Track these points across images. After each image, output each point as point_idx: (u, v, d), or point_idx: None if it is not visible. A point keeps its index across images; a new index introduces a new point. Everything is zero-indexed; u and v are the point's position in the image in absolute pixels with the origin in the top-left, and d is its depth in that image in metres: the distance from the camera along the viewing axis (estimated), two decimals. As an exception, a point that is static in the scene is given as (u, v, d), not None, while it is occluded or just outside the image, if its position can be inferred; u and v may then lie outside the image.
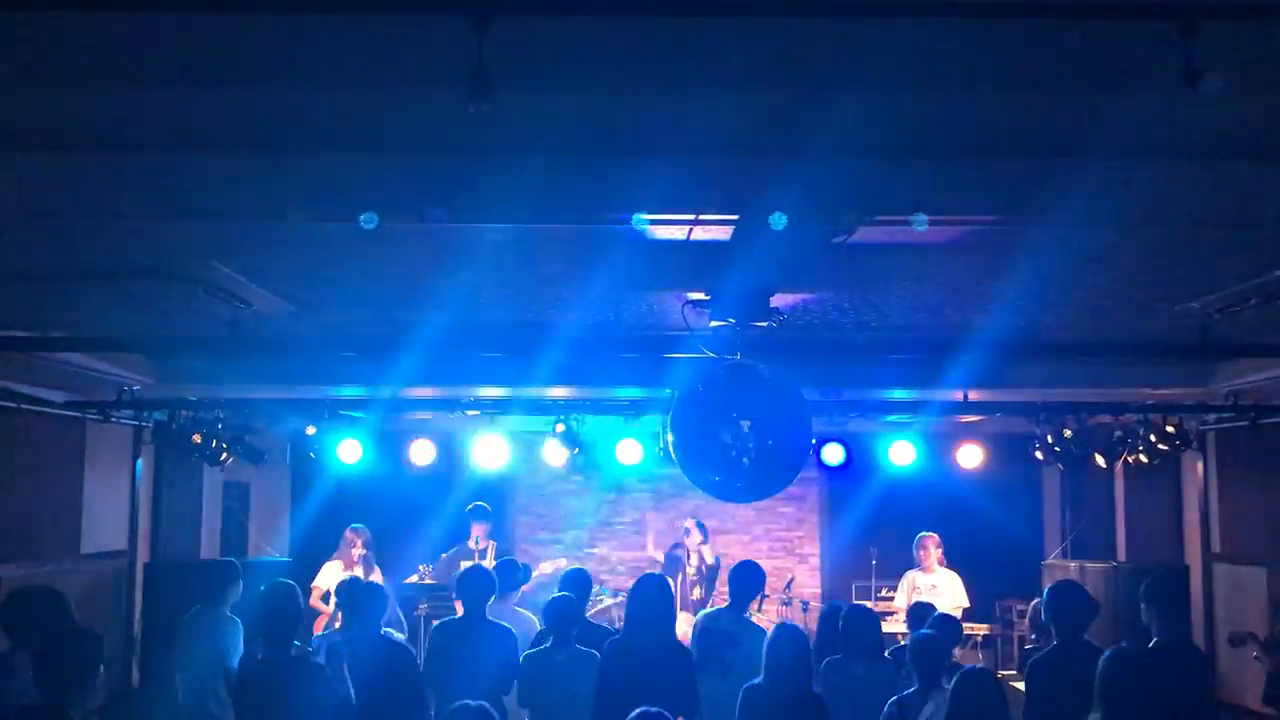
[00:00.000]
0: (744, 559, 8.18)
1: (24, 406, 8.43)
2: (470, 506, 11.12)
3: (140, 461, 10.68)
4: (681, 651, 6.67)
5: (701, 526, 11.20)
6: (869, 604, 10.94)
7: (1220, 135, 3.99)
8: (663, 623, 6.57)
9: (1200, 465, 11.03)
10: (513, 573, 8.28)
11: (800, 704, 5.91)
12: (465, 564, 10.36)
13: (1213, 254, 5.54)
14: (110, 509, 10.27)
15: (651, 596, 6.59)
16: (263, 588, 6.66)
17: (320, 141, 4.13)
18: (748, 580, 7.51)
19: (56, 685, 4.76)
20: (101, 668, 4.96)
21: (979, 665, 6.33)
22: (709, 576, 10.83)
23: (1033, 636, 9.54)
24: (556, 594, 7.06)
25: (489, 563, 10.33)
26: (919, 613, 7.91)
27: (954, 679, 5.39)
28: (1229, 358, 8.48)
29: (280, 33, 3.42)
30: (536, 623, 7.58)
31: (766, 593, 10.98)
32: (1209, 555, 10.99)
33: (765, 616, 10.36)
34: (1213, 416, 10.18)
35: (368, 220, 4.52)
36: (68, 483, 9.61)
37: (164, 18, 3.29)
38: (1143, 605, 6.67)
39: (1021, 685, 6.62)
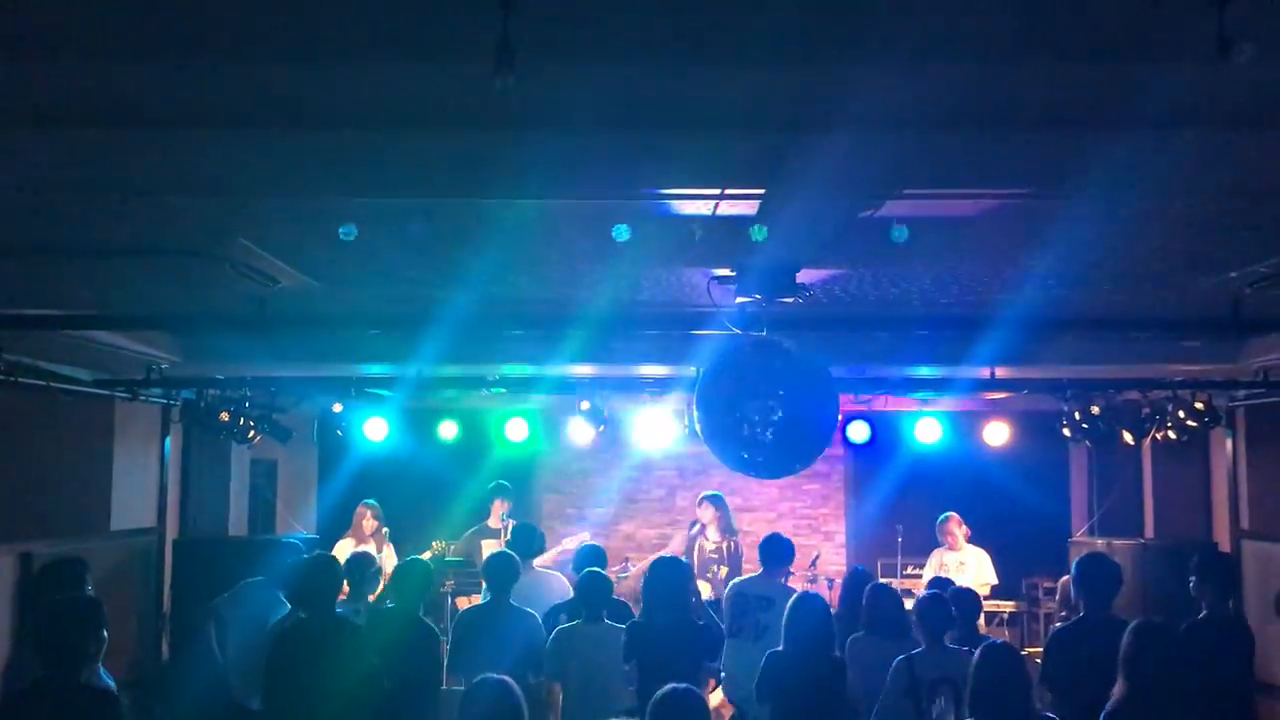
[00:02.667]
0: (771, 533, 8.24)
1: (53, 384, 8.48)
2: (493, 484, 11.16)
3: (169, 439, 10.75)
4: (699, 628, 6.71)
5: (715, 499, 11.04)
6: (894, 581, 10.99)
7: (1253, 105, 3.95)
8: (679, 601, 6.61)
9: (1229, 442, 10.97)
10: (531, 540, 8.34)
11: (820, 670, 5.96)
12: (486, 542, 10.42)
13: (1244, 228, 5.49)
14: (139, 487, 10.34)
15: (666, 576, 6.64)
16: (305, 556, 6.78)
17: (347, 117, 4.12)
18: (777, 550, 7.63)
19: (57, 656, 4.78)
20: (105, 633, 4.97)
21: (1002, 639, 6.34)
22: (733, 557, 10.76)
23: (1061, 614, 9.52)
24: (591, 570, 7.11)
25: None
26: (936, 587, 7.91)
27: (977, 652, 5.40)
28: (1259, 333, 8.40)
29: (308, 6, 3.42)
30: (563, 579, 7.67)
31: (792, 570, 10.97)
32: (1238, 532, 10.94)
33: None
34: (1242, 393, 10.12)
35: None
36: (97, 460, 9.68)
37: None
38: (1193, 579, 6.64)
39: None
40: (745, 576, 8.11)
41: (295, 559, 7.74)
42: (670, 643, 6.35)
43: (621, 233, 4.58)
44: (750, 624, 7.07)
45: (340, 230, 4.37)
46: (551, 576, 7.87)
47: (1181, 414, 9.82)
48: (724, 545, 10.64)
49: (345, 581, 7.23)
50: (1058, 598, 10.16)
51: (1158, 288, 6.83)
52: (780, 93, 3.94)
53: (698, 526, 10.85)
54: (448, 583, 10.26)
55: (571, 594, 7.32)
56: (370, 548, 10.34)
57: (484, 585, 7.44)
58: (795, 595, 6.26)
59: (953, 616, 6.39)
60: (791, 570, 10.74)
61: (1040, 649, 9.93)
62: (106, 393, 9.39)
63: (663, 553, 8.89)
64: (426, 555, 10.54)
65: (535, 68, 3.18)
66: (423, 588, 6.99)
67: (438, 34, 3.60)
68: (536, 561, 8.34)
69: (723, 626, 7.62)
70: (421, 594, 6.96)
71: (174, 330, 8.86)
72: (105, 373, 9.13)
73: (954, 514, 11.02)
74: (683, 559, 7.88)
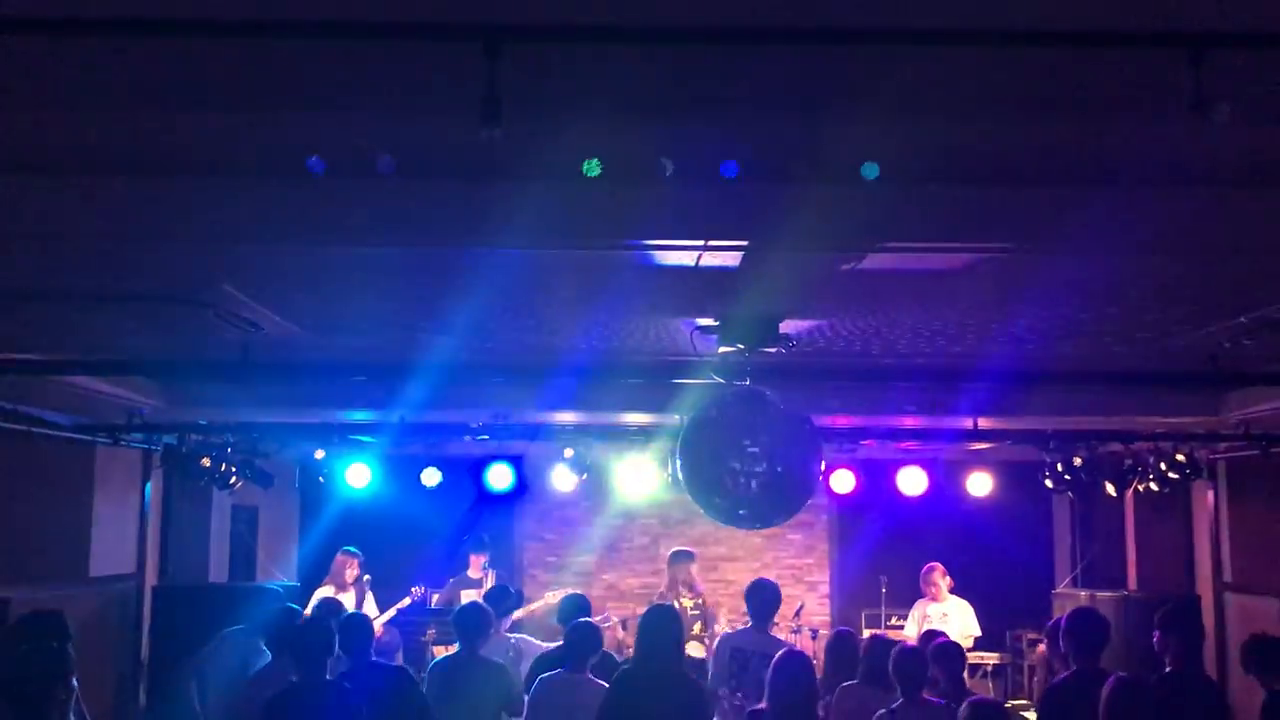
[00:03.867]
0: (757, 578, 8.18)
1: (34, 429, 8.44)
2: (467, 538, 11.13)
3: (149, 485, 10.69)
4: (690, 682, 6.60)
5: (690, 555, 11.04)
6: (879, 633, 10.94)
7: (1231, 164, 3.99)
8: (673, 652, 6.49)
9: (1211, 494, 10.98)
10: (502, 599, 8.30)
11: None
12: (467, 592, 10.37)
13: (1223, 283, 5.53)
14: (119, 532, 10.27)
15: (662, 625, 6.51)
16: (292, 608, 6.70)
17: (332, 165, 4.13)
18: (765, 597, 7.55)
19: (27, 707, 4.73)
20: (74, 681, 4.92)
21: (991, 697, 6.32)
22: (711, 615, 10.72)
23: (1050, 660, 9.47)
24: (582, 620, 7.07)
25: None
26: (928, 640, 7.87)
27: (963, 708, 5.39)
28: (1239, 386, 8.45)
29: (290, 57, 3.44)
30: (530, 644, 7.61)
31: (776, 620, 10.92)
32: (1220, 584, 10.93)
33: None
34: (1223, 445, 10.14)
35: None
36: (77, 506, 9.62)
37: (173, 42, 3.32)
38: (1158, 633, 6.62)
39: (1032, 715, 6.59)
40: (736, 630, 8.03)
41: (278, 606, 7.70)
42: (659, 694, 6.23)
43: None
44: (752, 681, 6.96)
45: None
46: (511, 643, 7.80)
47: (1163, 466, 9.84)
48: (701, 603, 10.58)
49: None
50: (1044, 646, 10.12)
51: (1138, 341, 6.86)
52: (762, 145, 3.98)
53: (667, 583, 10.79)
54: (429, 632, 10.20)
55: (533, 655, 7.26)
56: (348, 597, 10.27)
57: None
58: (779, 654, 6.19)
59: (928, 671, 6.33)
60: (776, 620, 10.74)
61: (1025, 701, 9.92)
62: (87, 438, 9.34)
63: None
64: (405, 602, 10.53)
65: (519, 119, 3.21)
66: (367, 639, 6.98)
67: (423, 85, 3.63)
68: (513, 616, 8.31)
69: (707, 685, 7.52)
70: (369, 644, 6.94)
71: (156, 376, 8.84)
72: (86, 418, 9.09)
73: (938, 565, 11.01)
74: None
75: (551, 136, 3.88)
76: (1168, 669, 6.49)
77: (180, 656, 8.59)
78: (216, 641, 7.75)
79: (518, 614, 9.79)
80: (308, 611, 10.11)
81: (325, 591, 10.38)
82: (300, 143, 4.02)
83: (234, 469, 10.13)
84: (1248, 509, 10.59)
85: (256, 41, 3.31)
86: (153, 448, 10.42)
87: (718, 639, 7.95)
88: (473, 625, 7.03)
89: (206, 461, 9.83)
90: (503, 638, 7.84)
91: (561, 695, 6.52)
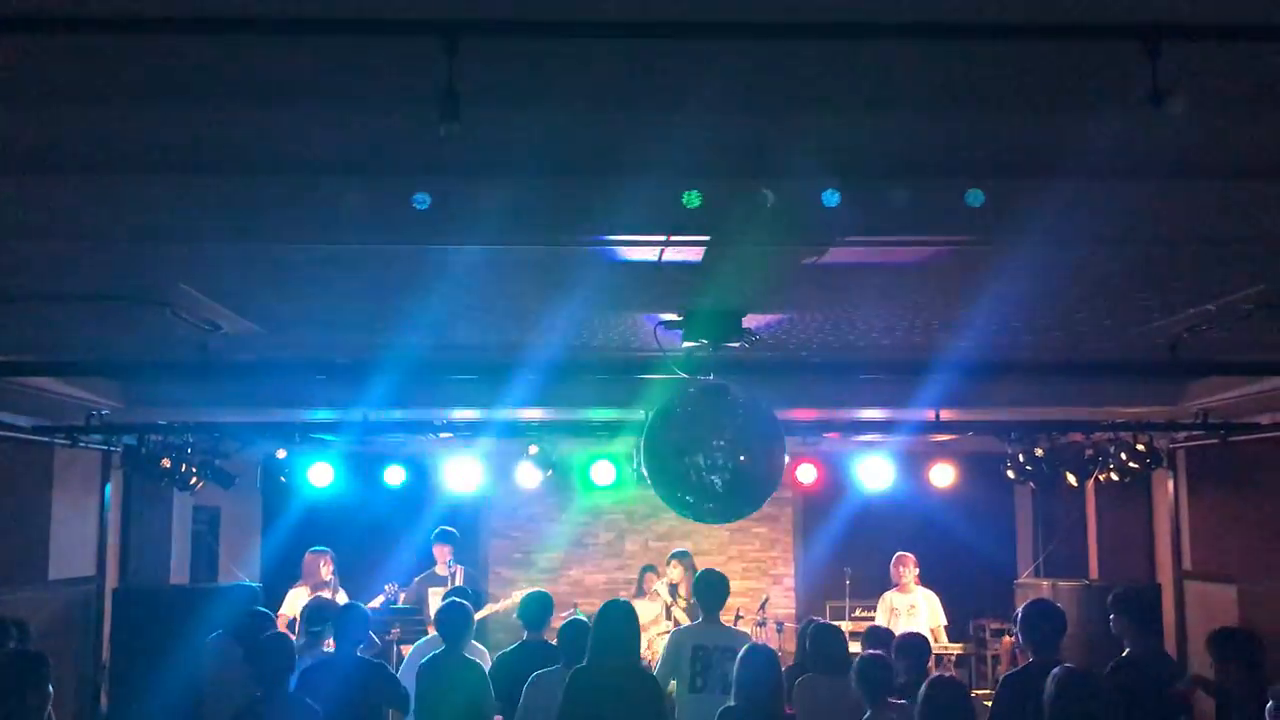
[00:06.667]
0: (704, 569, 8.20)
1: (-10, 431, 8.36)
2: (435, 530, 11.10)
3: (109, 486, 10.58)
4: (648, 677, 6.59)
5: (686, 556, 11.12)
6: (844, 624, 10.98)
7: (1186, 155, 4.02)
8: (629, 648, 6.45)
9: (1171, 483, 11.09)
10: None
11: None
12: (434, 590, 10.33)
13: (1181, 273, 5.57)
14: (79, 534, 10.15)
15: (617, 621, 6.48)
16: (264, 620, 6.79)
17: (288, 163, 4.10)
18: (714, 588, 7.55)
19: None
20: (49, 688, 4.84)
21: (950, 675, 6.32)
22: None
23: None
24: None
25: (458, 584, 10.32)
26: (875, 636, 7.81)
27: (924, 686, 5.43)
28: (1198, 376, 8.53)
29: (249, 53, 3.41)
30: (486, 655, 7.58)
31: (741, 613, 10.96)
32: (1180, 572, 11.04)
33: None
34: (1183, 434, 10.25)
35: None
36: (35, 508, 9.50)
37: (130, 40, 3.28)
38: (1112, 616, 6.67)
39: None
40: (692, 625, 8.00)
41: (248, 609, 7.77)
42: (615, 690, 6.21)
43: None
44: (716, 678, 6.95)
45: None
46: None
47: (1124, 455, 9.91)
48: (694, 604, 10.58)
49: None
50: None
51: (1098, 331, 6.91)
52: (724, 140, 3.97)
53: (665, 585, 10.81)
54: (394, 630, 10.14)
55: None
56: (325, 594, 10.20)
57: (433, 633, 7.42)
58: (745, 648, 6.18)
59: (894, 680, 6.30)
60: (741, 614, 10.77)
61: (988, 691, 9.97)
62: (45, 439, 9.25)
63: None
64: (379, 600, 10.48)
65: (480, 114, 3.19)
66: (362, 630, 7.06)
67: (382, 81, 3.61)
68: (479, 615, 8.34)
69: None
70: (361, 636, 7.03)
71: (115, 376, 8.75)
72: (44, 419, 8.99)
73: (910, 555, 11.03)
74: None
75: (512, 130, 3.87)
76: (1125, 653, 6.54)
77: (141, 659, 8.52)
78: (211, 653, 7.85)
79: (480, 613, 9.79)
80: (285, 612, 10.04)
81: (300, 591, 10.29)
82: (255, 139, 3.99)
83: (194, 469, 10.04)
84: (1207, 497, 10.70)
85: (214, 38, 3.28)
86: (112, 449, 10.32)
87: (671, 633, 7.92)
88: (453, 625, 7.08)
89: (167, 462, 9.74)
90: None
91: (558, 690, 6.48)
